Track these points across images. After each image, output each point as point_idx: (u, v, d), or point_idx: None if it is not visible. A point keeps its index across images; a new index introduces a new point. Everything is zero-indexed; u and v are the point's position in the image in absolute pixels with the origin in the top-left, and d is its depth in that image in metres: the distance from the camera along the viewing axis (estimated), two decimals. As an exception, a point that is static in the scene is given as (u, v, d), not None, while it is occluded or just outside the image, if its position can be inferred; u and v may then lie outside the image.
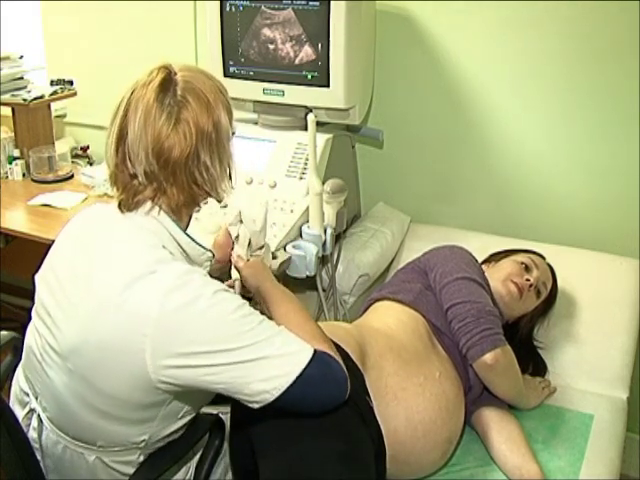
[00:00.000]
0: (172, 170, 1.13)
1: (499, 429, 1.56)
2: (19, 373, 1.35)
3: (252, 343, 1.10)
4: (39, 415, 1.27)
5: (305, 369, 1.11)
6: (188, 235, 1.22)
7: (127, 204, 1.17)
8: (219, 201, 1.23)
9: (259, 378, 1.10)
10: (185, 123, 1.12)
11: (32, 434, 1.28)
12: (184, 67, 1.18)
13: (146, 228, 1.17)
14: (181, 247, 1.20)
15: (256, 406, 1.13)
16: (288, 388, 1.10)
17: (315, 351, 1.14)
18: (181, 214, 1.21)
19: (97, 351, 1.13)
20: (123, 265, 1.14)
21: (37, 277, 1.28)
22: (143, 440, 1.21)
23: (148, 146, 1.12)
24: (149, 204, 1.17)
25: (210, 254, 1.26)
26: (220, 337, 1.10)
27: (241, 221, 1.46)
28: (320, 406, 1.19)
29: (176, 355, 1.09)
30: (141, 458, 1.24)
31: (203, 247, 1.24)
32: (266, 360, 1.11)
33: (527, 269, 1.76)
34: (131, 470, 1.25)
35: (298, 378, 1.11)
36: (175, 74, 1.16)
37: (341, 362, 1.19)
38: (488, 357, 1.48)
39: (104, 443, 1.21)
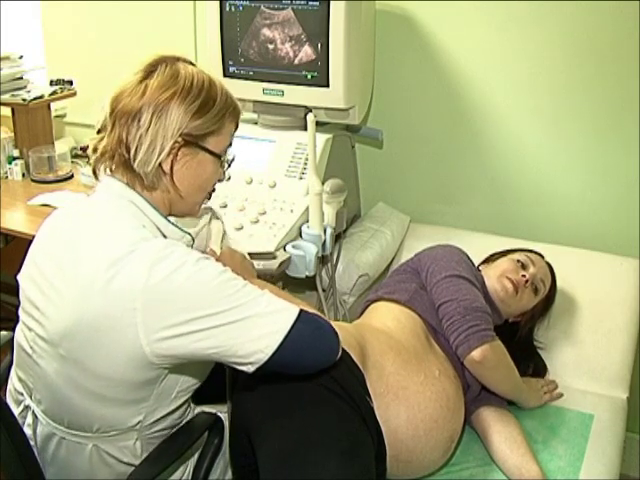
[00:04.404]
0: (113, 119, 1.20)
1: (499, 429, 1.55)
2: (13, 374, 1.36)
3: (240, 304, 1.13)
4: (33, 411, 1.29)
5: (294, 324, 1.14)
6: (165, 218, 1.25)
7: (93, 158, 1.24)
8: (142, 174, 1.21)
9: (251, 337, 1.12)
10: (144, 91, 1.18)
11: (27, 431, 1.29)
12: (195, 67, 1.24)
13: (125, 211, 1.21)
14: (159, 230, 1.23)
15: (252, 369, 1.15)
16: (280, 345, 1.12)
17: (301, 310, 1.17)
18: (134, 185, 1.23)
19: (89, 332, 1.15)
20: (107, 245, 1.16)
21: (20, 276, 1.30)
22: (139, 421, 1.23)
23: (112, 93, 1.20)
24: (110, 177, 1.23)
25: (189, 237, 1.29)
26: (208, 301, 1.12)
27: (216, 218, 1.49)
28: (314, 363, 1.21)
29: (168, 325, 1.11)
30: (138, 444, 1.26)
31: (181, 229, 1.27)
32: (255, 318, 1.13)
33: (523, 266, 1.76)
34: (128, 459, 1.26)
35: (289, 334, 1.13)
36: (182, 62, 1.23)
37: (329, 322, 1.22)
38: (475, 354, 1.49)
39: (100, 427, 1.22)
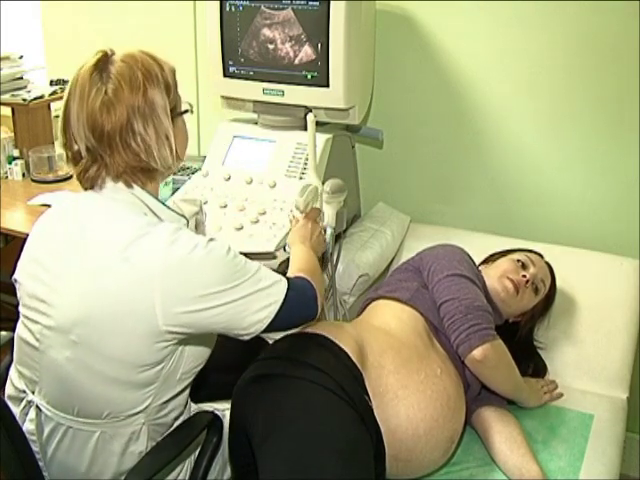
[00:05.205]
0: (108, 142, 1.20)
1: (499, 429, 1.55)
2: (12, 375, 1.37)
3: (247, 279, 1.23)
4: (37, 406, 1.29)
5: (286, 295, 1.27)
6: (162, 203, 1.29)
7: (82, 181, 1.26)
8: (164, 170, 1.27)
9: (253, 310, 1.23)
10: (116, 100, 1.19)
11: (29, 427, 1.30)
12: (128, 52, 1.25)
13: (123, 200, 1.24)
14: (157, 216, 1.27)
15: (247, 338, 1.27)
16: (276, 314, 1.25)
17: (288, 279, 1.30)
18: (145, 184, 1.27)
19: (104, 316, 1.19)
20: (115, 231, 1.21)
21: (17, 275, 1.32)
22: (147, 405, 1.26)
23: (85, 123, 1.19)
24: (108, 180, 1.24)
25: (185, 220, 1.33)
26: (222, 278, 1.20)
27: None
28: (299, 322, 1.37)
29: (186, 302, 1.18)
30: (144, 429, 1.28)
31: (177, 213, 1.32)
32: (259, 293, 1.24)
33: (523, 266, 1.76)
34: (134, 445, 1.28)
35: (283, 304, 1.26)
36: (112, 55, 1.23)
37: (313, 282, 1.35)
38: (476, 353, 1.49)
39: (110, 412, 1.25)
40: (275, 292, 1.26)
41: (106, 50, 1.24)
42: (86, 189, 1.27)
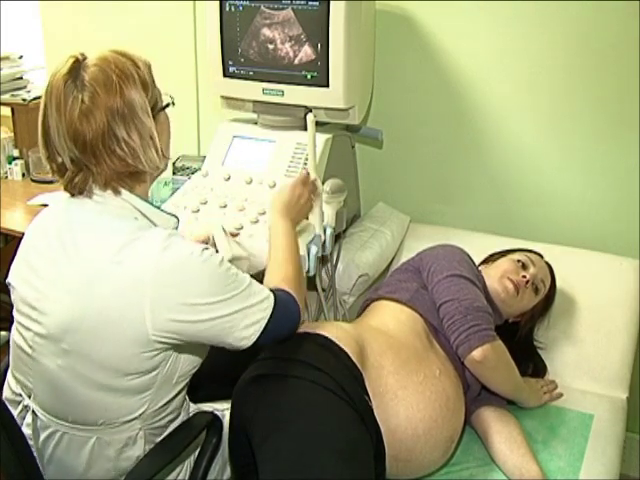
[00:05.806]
0: (92, 151, 1.17)
1: (499, 429, 1.55)
2: (9, 378, 1.36)
3: (238, 293, 1.22)
4: (33, 410, 1.29)
5: (273, 312, 1.26)
6: (152, 204, 1.27)
7: (69, 190, 1.23)
8: (152, 171, 1.26)
9: (242, 326, 1.22)
10: (94, 107, 1.15)
11: (26, 431, 1.30)
12: (99, 54, 1.22)
13: (113, 206, 1.22)
14: (147, 217, 1.25)
15: (234, 350, 1.26)
16: (262, 331, 1.24)
17: (275, 295, 1.29)
18: (133, 188, 1.24)
19: (95, 323, 1.17)
20: (106, 237, 1.19)
21: (11, 278, 1.30)
22: (143, 411, 1.25)
23: (66, 134, 1.16)
24: (95, 188, 1.22)
25: (175, 219, 1.32)
26: (213, 289, 1.19)
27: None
28: (282, 337, 1.35)
29: (175, 308, 1.16)
30: (141, 434, 1.27)
31: (168, 213, 1.31)
32: (247, 309, 1.23)
33: (524, 266, 1.76)
34: (131, 450, 1.27)
35: (269, 321, 1.25)
36: (84, 60, 1.20)
37: (295, 295, 1.34)
38: (476, 353, 1.49)
39: (106, 419, 1.24)
40: (263, 309, 1.25)
41: (77, 55, 1.20)
42: (73, 196, 1.24)
